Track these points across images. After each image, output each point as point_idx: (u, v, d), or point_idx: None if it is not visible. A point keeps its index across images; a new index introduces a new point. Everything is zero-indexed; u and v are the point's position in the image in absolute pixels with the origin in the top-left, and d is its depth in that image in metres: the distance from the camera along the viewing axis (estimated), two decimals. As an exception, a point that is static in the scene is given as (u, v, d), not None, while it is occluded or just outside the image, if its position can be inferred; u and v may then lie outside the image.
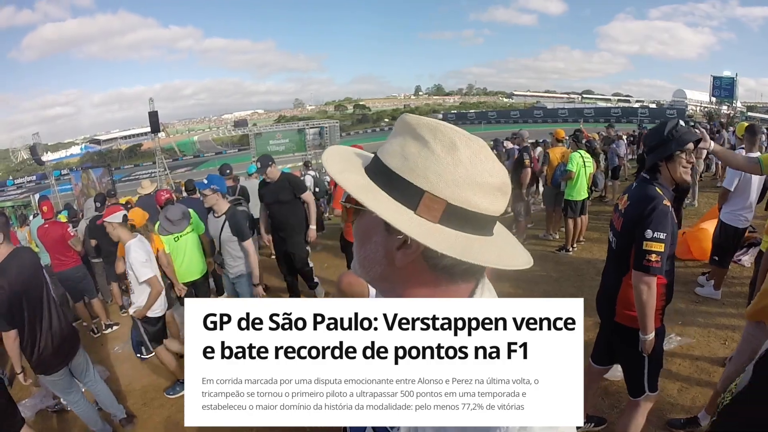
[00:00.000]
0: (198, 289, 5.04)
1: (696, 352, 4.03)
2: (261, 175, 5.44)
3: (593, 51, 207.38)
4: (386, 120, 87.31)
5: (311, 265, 5.80)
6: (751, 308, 2.54)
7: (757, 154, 4.60)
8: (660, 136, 2.40)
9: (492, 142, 10.17)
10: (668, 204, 2.28)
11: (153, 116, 31.18)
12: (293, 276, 5.75)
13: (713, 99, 50.42)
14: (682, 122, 2.45)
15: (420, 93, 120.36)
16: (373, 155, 0.74)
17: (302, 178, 10.82)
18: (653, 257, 2.21)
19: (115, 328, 6.02)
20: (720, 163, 10.56)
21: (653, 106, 69.38)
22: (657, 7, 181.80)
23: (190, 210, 5.12)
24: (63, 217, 6.88)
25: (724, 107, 48.67)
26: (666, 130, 2.37)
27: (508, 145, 9.53)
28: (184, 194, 7.45)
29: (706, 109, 52.41)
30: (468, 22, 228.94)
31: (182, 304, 5.12)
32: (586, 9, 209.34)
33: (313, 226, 5.57)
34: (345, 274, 1.94)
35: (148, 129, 33.95)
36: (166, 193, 5.65)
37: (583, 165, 6.70)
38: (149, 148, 52.94)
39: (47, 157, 40.44)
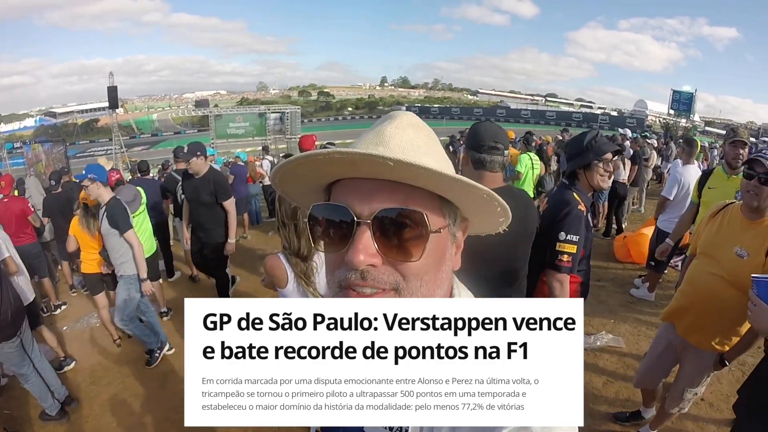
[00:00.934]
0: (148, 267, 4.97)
1: (624, 350, 4.27)
2: (186, 164, 4.91)
3: (561, 55, 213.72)
4: (350, 109, 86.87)
5: (228, 275, 5.32)
6: (665, 310, 2.77)
7: (693, 169, 4.96)
8: (579, 145, 2.57)
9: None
10: (583, 209, 2.43)
11: (112, 91, 30.24)
12: (204, 269, 5.42)
13: (671, 111, 52.07)
14: (601, 133, 2.63)
15: (386, 84, 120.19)
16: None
17: (260, 164, 10.74)
18: (565, 257, 2.35)
19: (63, 307, 5.96)
20: (665, 173, 11.10)
21: (614, 113, 71.36)
22: (627, 18, 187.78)
23: (140, 189, 5.12)
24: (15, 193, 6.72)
25: (683, 120, 50.42)
26: (585, 141, 2.53)
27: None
28: (138, 175, 7.37)
29: (664, 121, 54.25)
30: (439, 17, 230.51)
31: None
32: (558, 14, 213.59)
33: (231, 240, 4.96)
34: (270, 258, 2.16)
35: (107, 104, 32.79)
36: (117, 174, 5.51)
37: (531, 167, 6.96)
38: (106, 124, 51.14)
39: (-1, 128, 38.66)
